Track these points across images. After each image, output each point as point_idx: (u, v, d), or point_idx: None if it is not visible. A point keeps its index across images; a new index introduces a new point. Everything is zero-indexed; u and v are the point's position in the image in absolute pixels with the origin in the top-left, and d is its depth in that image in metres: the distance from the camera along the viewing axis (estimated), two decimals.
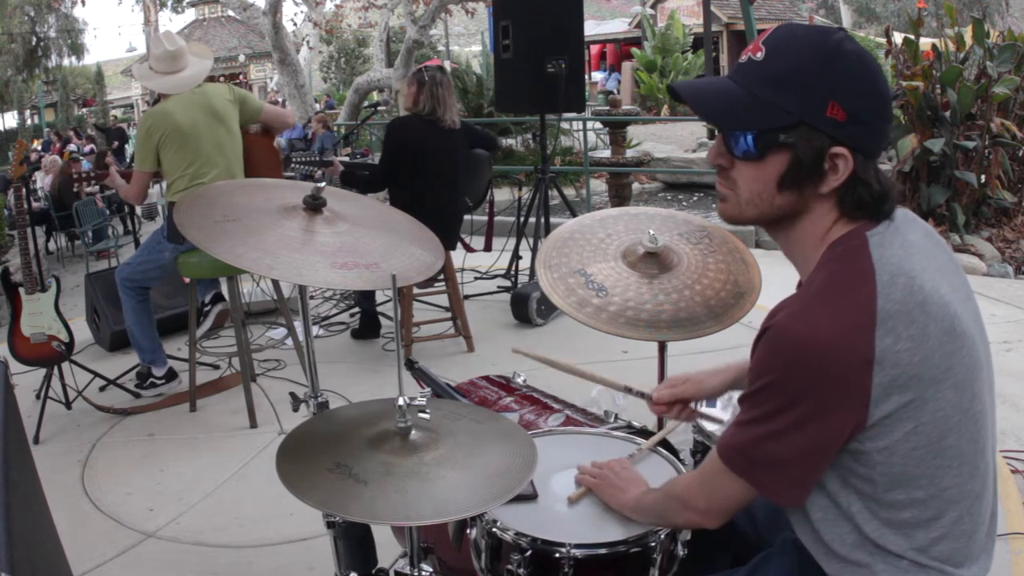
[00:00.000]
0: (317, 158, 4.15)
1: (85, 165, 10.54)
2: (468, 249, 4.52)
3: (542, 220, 5.07)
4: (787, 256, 1.23)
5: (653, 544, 1.33)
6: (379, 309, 4.52)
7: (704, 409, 1.90)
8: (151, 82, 3.54)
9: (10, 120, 29.47)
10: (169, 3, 23.22)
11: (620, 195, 8.30)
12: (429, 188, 3.94)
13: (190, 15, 29.11)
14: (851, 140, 1.09)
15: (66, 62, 30.15)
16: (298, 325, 3.76)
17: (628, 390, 1.64)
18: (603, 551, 1.32)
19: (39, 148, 17.02)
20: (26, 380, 3.75)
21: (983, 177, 6.14)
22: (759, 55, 1.12)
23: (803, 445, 1.07)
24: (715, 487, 1.18)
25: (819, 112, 1.08)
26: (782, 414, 1.06)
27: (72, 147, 16.03)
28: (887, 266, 1.08)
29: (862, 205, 1.12)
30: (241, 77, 27.19)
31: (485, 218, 5.07)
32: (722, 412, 1.90)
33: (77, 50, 29.78)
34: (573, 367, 1.72)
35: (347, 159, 5.09)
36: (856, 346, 1.03)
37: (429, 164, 3.95)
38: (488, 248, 4.97)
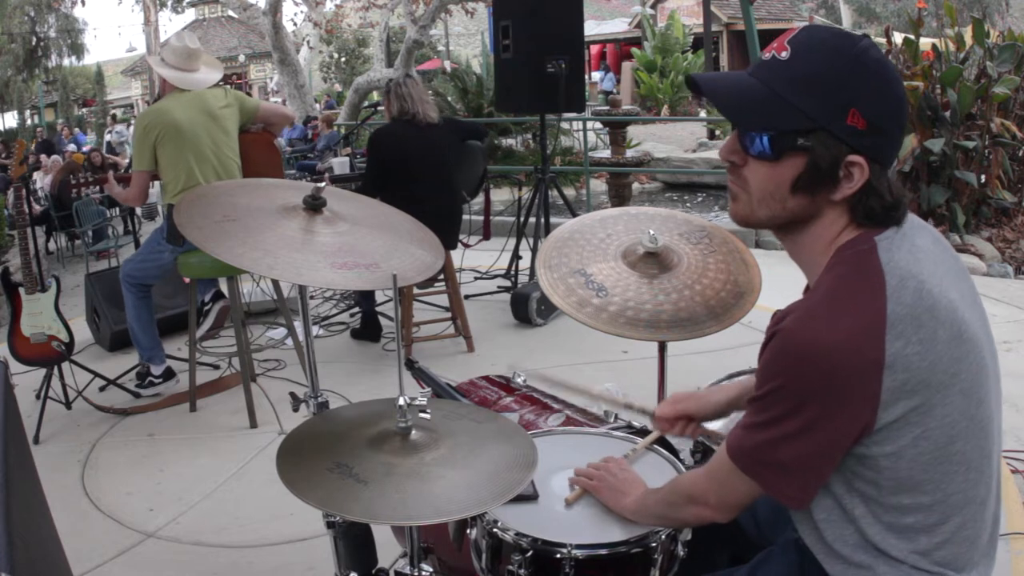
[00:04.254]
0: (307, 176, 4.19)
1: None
2: (466, 245, 4.52)
3: (542, 220, 5.07)
4: (794, 260, 1.22)
5: (654, 544, 1.33)
6: (379, 309, 4.52)
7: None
8: (164, 71, 3.54)
9: (10, 120, 29.46)
10: (169, 3, 23.25)
11: (620, 195, 8.30)
12: (423, 190, 3.91)
13: (190, 15, 29.13)
14: (869, 149, 1.08)
15: (66, 62, 30.14)
16: (298, 325, 3.76)
17: (629, 407, 1.63)
18: (604, 551, 1.32)
19: None
20: (26, 380, 3.75)
21: (983, 177, 6.14)
22: (784, 54, 1.09)
23: (811, 449, 1.07)
24: (725, 484, 1.18)
25: (840, 119, 1.06)
26: (790, 418, 1.06)
27: (71, 147, 16.00)
28: (896, 270, 1.07)
29: (873, 214, 1.11)
30: (239, 78, 27.18)
31: (482, 218, 5.09)
32: (723, 428, 1.90)
33: (77, 50, 29.76)
34: (573, 386, 1.74)
35: (347, 158, 5.10)
36: (865, 350, 1.02)
37: (416, 166, 3.94)
38: (487, 237, 4.98)
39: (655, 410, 1.57)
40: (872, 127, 1.07)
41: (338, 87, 27.74)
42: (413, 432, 1.38)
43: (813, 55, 1.08)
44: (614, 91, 19.22)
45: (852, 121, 1.06)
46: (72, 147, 16.11)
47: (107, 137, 19.03)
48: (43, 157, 12.07)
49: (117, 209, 8.63)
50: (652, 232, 1.94)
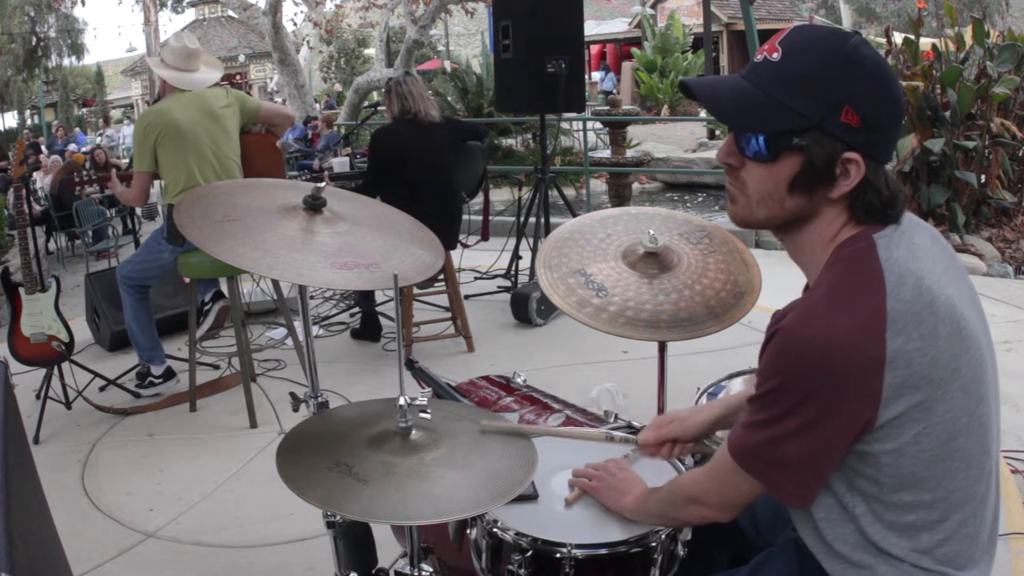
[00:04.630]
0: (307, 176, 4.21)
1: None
2: (464, 246, 4.53)
3: (542, 220, 5.07)
4: (794, 259, 1.22)
5: (654, 544, 1.33)
6: (379, 309, 4.52)
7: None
8: (163, 71, 3.54)
9: (10, 120, 29.45)
10: (169, 3, 23.23)
11: (620, 195, 8.30)
12: (423, 189, 3.92)
13: (190, 15, 29.09)
14: (864, 146, 1.08)
15: (66, 62, 30.12)
16: (298, 325, 3.76)
17: (611, 439, 1.62)
18: (604, 551, 1.32)
19: None
20: (26, 380, 3.75)
21: (983, 177, 6.14)
22: (775, 56, 1.10)
23: (813, 447, 1.07)
24: (727, 483, 1.18)
25: (833, 116, 1.07)
26: (791, 416, 1.06)
27: (71, 147, 16.01)
28: (895, 267, 1.07)
29: (871, 210, 1.11)
30: (239, 78, 27.15)
31: (481, 218, 5.08)
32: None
33: (77, 50, 29.74)
34: (550, 430, 1.70)
35: (346, 158, 5.10)
36: (866, 347, 1.02)
37: (418, 165, 3.94)
38: (485, 237, 4.99)
39: (639, 438, 1.55)
40: (866, 123, 1.07)
41: (338, 87, 27.72)
42: (413, 432, 1.38)
43: (805, 55, 1.09)
44: (614, 91, 19.22)
45: (846, 118, 1.06)
46: (72, 147, 16.12)
47: (97, 140, 18.97)
48: (43, 157, 12.09)
49: (115, 209, 8.63)
50: (652, 232, 1.94)
